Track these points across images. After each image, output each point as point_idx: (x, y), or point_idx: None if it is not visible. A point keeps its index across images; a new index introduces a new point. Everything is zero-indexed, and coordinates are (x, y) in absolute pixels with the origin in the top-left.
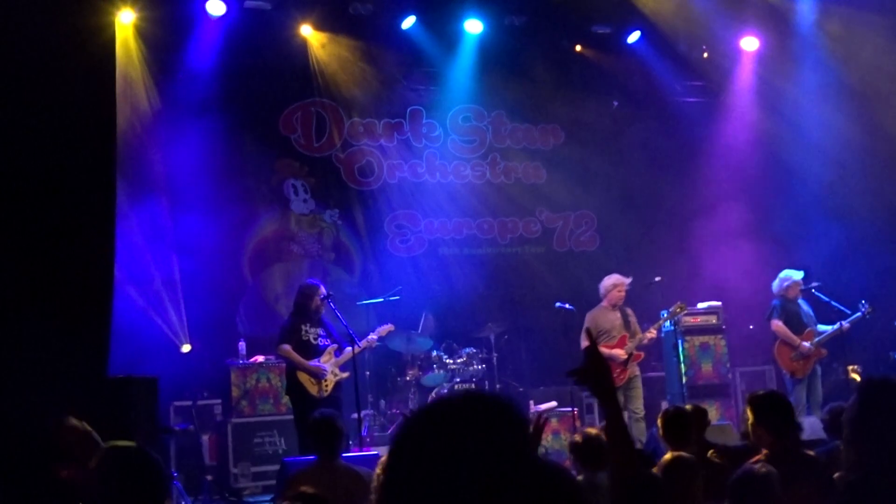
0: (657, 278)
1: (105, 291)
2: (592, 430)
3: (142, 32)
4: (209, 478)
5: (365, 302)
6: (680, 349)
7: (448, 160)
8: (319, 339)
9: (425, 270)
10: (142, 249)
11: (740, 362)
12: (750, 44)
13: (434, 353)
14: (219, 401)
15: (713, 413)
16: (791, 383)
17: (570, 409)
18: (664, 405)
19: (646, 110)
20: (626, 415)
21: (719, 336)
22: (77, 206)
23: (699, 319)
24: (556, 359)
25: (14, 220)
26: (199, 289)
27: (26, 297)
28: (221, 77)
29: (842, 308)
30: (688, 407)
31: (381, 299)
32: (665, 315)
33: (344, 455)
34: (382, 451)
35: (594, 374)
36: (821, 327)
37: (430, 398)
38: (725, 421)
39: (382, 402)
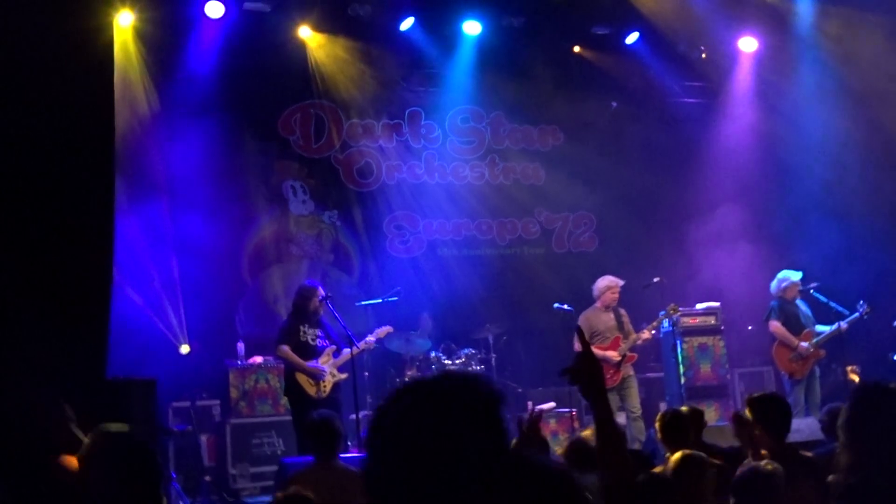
0: (656, 279)
1: (104, 292)
2: (585, 433)
3: (141, 34)
4: (207, 478)
5: (364, 303)
6: (678, 350)
7: (447, 161)
8: (318, 340)
9: (424, 271)
10: (141, 250)
11: (739, 363)
12: (748, 44)
13: (433, 354)
14: (217, 402)
15: (712, 414)
16: (789, 384)
17: (568, 410)
18: (662, 406)
19: (645, 111)
20: (623, 414)
21: (718, 337)
22: (76, 206)
23: (698, 320)
24: (555, 360)
25: (13, 221)
26: (198, 290)
27: (25, 298)
28: (220, 79)
29: (840, 309)
30: (684, 408)
31: (380, 300)
32: (661, 316)
33: (342, 456)
34: None
35: (586, 375)
36: (819, 328)
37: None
38: (724, 422)
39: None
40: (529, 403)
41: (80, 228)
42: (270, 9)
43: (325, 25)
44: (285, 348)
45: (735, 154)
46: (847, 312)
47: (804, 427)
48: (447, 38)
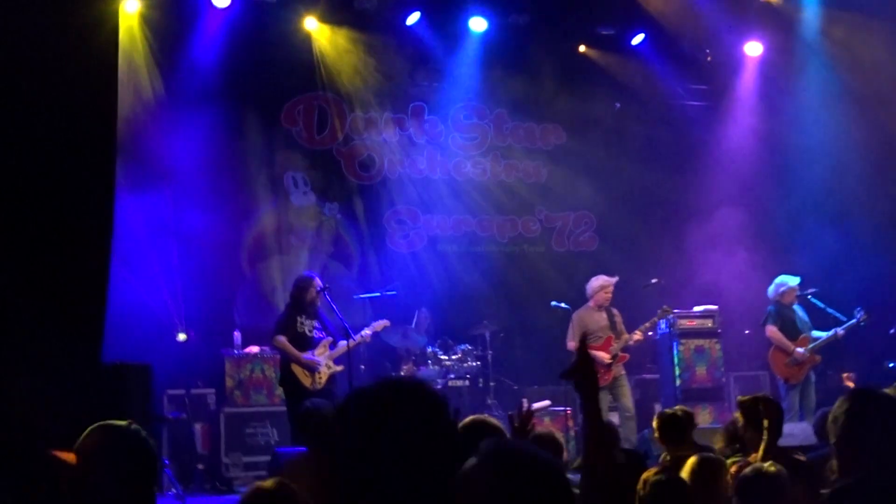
0: (654, 280)
1: (101, 278)
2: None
3: (146, 21)
4: (200, 467)
5: (362, 296)
6: (675, 352)
7: (449, 157)
8: (315, 331)
9: (423, 266)
10: (140, 236)
11: (735, 367)
12: (754, 49)
13: (429, 349)
14: (212, 390)
15: (706, 417)
16: (785, 389)
17: (563, 408)
18: (657, 407)
19: (648, 112)
20: (615, 414)
21: (714, 340)
22: (75, 192)
23: (695, 323)
24: (551, 358)
25: (10, 205)
26: (197, 278)
27: (21, 283)
28: (225, 68)
29: (837, 315)
30: (673, 409)
31: (378, 294)
32: (654, 317)
33: None
34: None
35: (581, 372)
36: (816, 333)
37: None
38: (718, 425)
39: None
40: (524, 401)
41: (79, 213)
42: None
43: (331, 17)
44: (282, 339)
45: (737, 157)
46: (844, 319)
47: (798, 431)
48: (453, 33)
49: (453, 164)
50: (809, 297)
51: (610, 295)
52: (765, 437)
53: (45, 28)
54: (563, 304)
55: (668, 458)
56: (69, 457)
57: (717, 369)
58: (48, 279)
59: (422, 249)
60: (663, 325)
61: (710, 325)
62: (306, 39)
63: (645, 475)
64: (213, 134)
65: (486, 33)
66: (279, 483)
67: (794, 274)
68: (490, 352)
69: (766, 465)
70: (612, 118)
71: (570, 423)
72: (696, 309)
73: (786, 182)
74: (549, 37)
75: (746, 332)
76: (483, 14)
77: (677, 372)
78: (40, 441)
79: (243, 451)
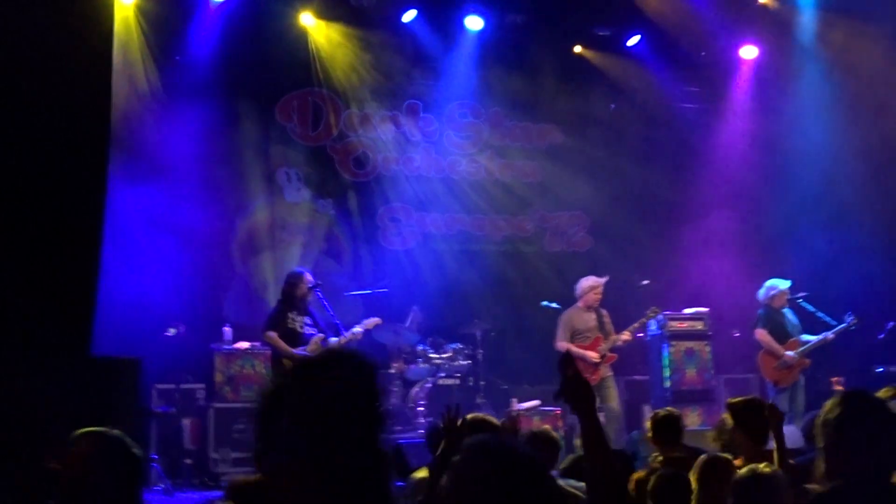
0: (645, 281)
1: (91, 270)
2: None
3: (142, 14)
4: (188, 462)
5: (353, 293)
6: (665, 353)
7: (444, 155)
8: (305, 327)
9: (416, 264)
10: (131, 230)
11: (725, 369)
12: (749, 52)
13: (420, 347)
14: (202, 385)
15: (696, 419)
16: (774, 392)
17: (553, 408)
18: (646, 409)
19: (643, 114)
20: (601, 415)
21: (705, 342)
22: (67, 184)
23: (685, 325)
24: (542, 357)
25: (2, 198)
26: (188, 272)
27: (11, 276)
28: (220, 62)
29: (828, 319)
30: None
31: (370, 291)
32: (642, 318)
33: None
34: None
35: (571, 390)
36: (805, 337)
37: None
38: (708, 427)
39: None
40: (514, 400)
41: (70, 206)
42: None
43: (327, 13)
44: (272, 334)
45: (730, 160)
46: (834, 323)
47: (786, 435)
48: (449, 32)
49: (448, 162)
50: (800, 300)
51: (599, 296)
52: (775, 445)
53: (41, 20)
54: (554, 304)
55: (661, 458)
56: (55, 465)
57: (706, 371)
58: (39, 272)
59: (415, 247)
60: (654, 327)
61: (700, 327)
62: (302, 35)
63: (636, 476)
64: (208, 128)
65: (483, 32)
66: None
67: (785, 277)
68: (481, 351)
69: (761, 466)
70: (608, 119)
71: (560, 423)
72: (687, 311)
73: (779, 185)
74: (545, 37)
75: (736, 334)
76: (479, 13)
77: (667, 374)
78: (30, 434)
79: (232, 446)
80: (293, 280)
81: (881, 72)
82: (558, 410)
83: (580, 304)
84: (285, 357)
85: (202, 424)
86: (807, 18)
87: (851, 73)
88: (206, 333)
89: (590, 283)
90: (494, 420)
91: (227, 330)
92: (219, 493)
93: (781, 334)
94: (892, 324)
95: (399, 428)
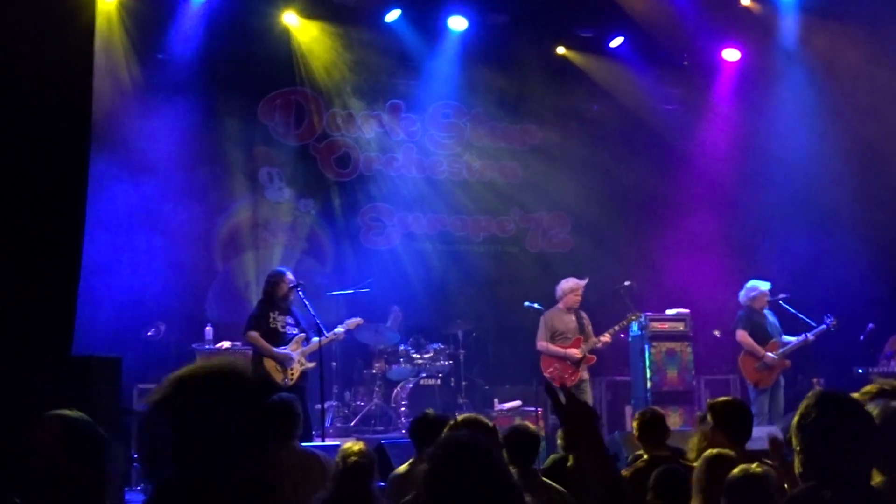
0: (627, 283)
1: (72, 269)
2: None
3: (125, 10)
4: None
5: (335, 293)
6: (646, 354)
7: (425, 155)
8: (287, 327)
9: (397, 264)
10: (113, 228)
11: (706, 370)
12: (731, 54)
13: (401, 347)
14: None
15: (676, 419)
16: (754, 393)
17: (534, 408)
18: (628, 409)
19: (625, 115)
20: None
21: (686, 343)
22: (47, 182)
23: (667, 326)
24: (523, 358)
25: None
26: (169, 271)
27: None
28: (203, 61)
29: (808, 320)
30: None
31: (351, 291)
32: (622, 322)
33: (304, 444)
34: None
35: (576, 418)
36: (786, 338)
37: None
38: (689, 428)
39: (347, 394)
40: (496, 401)
41: (50, 204)
42: None
43: (310, 13)
44: (254, 334)
45: (712, 162)
46: (814, 324)
47: (766, 435)
48: (432, 32)
49: (430, 162)
50: (780, 302)
51: (580, 297)
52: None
53: (19, 14)
54: (536, 305)
55: (647, 457)
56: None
57: (688, 373)
58: (18, 270)
59: (396, 247)
60: (635, 328)
61: (681, 328)
62: (285, 34)
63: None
64: (190, 127)
65: (466, 32)
66: None
67: (766, 279)
68: (462, 351)
69: (753, 466)
70: (590, 120)
71: (542, 424)
72: (669, 312)
73: (760, 187)
74: (528, 37)
75: (718, 334)
76: (463, 13)
77: (648, 374)
78: (8, 434)
79: None
80: (274, 279)
81: (862, 75)
82: (539, 410)
83: (561, 305)
84: (267, 357)
85: None
86: (789, 21)
87: (833, 76)
88: (188, 332)
89: (570, 285)
90: (486, 420)
91: (209, 329)
92: None
93: (762, 335)
94: (871, 325)
95: (381, 428)
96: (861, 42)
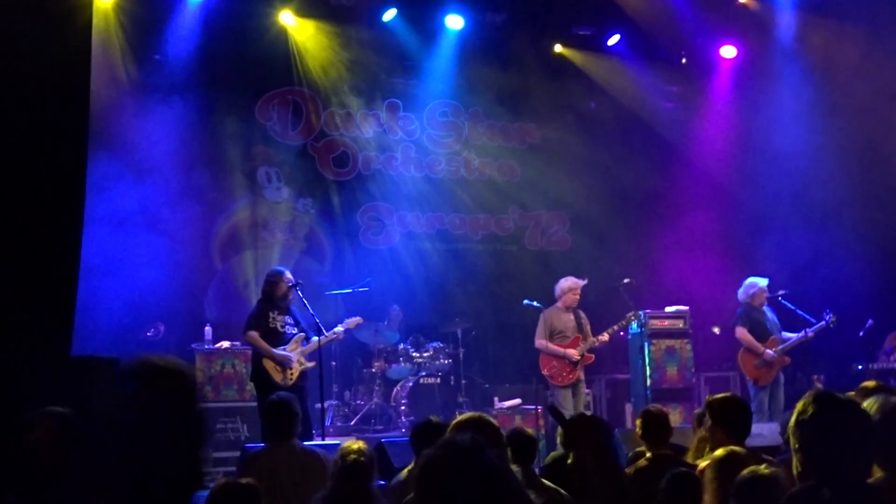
0: (626, 280)
1: (70, 269)
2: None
3: (122, 10)
4: None
5: (334, 292)
6: (646, 352)
7: (423, 154)
8: (286, 327)
9: (396, 263)
10: (112, 228)
11: (705, 367)
12: (729, 52)
13: (401, 346)
14: None
15: (676, 417)
16: (754, 390)
17: (533, 406)
18: (628, 407)
19: (623, 113)
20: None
21: (685, 340)
22: (45, 182)
23: (666, 323)
24: (523, 356)
25: None
26: (168, 271)
27: None
28: (200, 61)
29: (807, 317)
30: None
31: (350, 290)
32: (621, 321)
33: (304, 443)
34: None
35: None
36: (785, 335)
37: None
38: (688, 425)
39: (347, 393)
40: (496, 399)
41: (49, 204)
42: None
43: (307, 12)
44: (254, 334)
45: (710, 159)
46: (814, 321)
47: (766, 432)
48: (429, 31)
49: (428, 160)
50: (780, 298)
51: (578, 297)
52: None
53: (17, 14)
54: (535, 303)
55: (650, 455)
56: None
57: (687, 370)
58: (17, 271)
59: (395, 246)
60: (635, 326)
61: (681, 325)
62: (282, 34)
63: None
64: (188, 128)
65: (463, 31)
66: (249, 482)
67: (765, 276)
68: (461, 350)
69: (761, 467)
70: (588, 118)
71: (542, 422)
72: (668, 309)
73: (758, 184)
74: (525, 36)
75: (717, 331)
76: (460, 12)
77: (648, 372)
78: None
79: (213, 446)
80: (273, 279)
81: (860, 73)
82: (538, 409)
83: (559, 304)
84: (266, 357)
85: None
86: (786, 18)
87: (830, 73)
88: (188, 333)
89: (569, 284)
90: (491, 419)
91: (208, 329)
92: (202, 493)
93: (761, 332)
94: (870, 321)
95: (381, 427)
96: (858, 39)
